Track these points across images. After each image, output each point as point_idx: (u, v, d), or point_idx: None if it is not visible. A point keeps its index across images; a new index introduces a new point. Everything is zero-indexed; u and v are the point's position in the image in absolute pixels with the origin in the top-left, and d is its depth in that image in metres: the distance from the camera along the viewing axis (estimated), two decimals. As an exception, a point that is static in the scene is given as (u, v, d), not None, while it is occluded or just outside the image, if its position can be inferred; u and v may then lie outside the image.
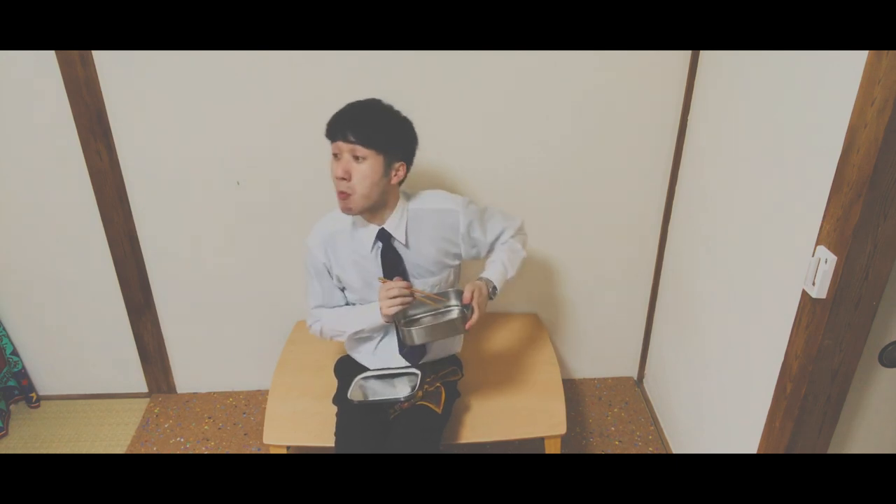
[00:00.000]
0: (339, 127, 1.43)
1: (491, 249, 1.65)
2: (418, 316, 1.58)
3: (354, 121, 1.42)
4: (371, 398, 1.57)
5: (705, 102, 1.80)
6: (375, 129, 1.43)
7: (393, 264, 1.55)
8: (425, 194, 1.60)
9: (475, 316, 1.46)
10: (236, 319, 2.21)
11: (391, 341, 1.66)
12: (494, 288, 1.55)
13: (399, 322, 1.52)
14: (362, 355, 1.71)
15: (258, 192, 1.96)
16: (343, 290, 1.65)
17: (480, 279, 1.55)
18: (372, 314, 1.55)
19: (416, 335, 1.45)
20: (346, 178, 1.43)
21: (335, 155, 1.46)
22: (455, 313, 1.56)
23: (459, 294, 1.54)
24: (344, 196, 1.46)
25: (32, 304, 2.16)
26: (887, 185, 1.10)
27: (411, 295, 1.51)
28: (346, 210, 1.49)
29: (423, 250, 1.56)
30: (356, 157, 1.43)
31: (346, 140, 1.42)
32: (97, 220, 1.99)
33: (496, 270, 1.58)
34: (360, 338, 1.67)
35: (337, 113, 1.47)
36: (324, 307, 1.65)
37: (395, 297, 1.48)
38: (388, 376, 1.64)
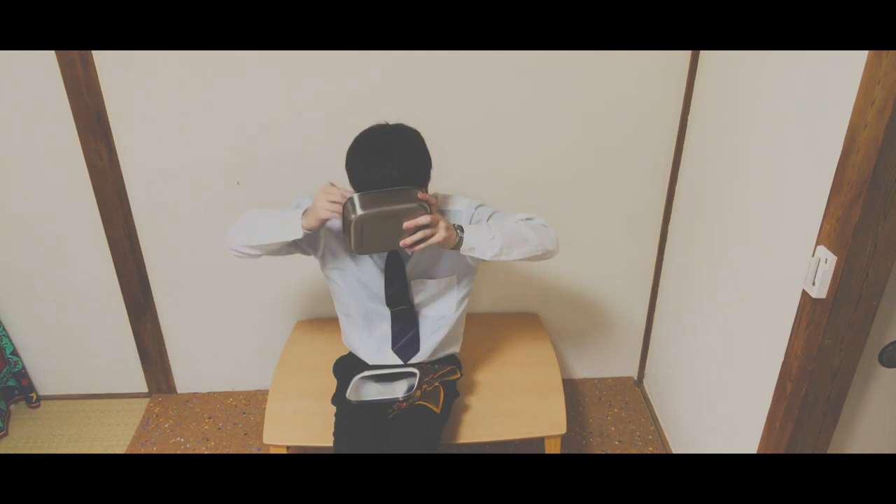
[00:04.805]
0: (374, 177, 1.31)
1: None
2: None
3: (393, 172, 1.31)
4: (369, 398, 1.57)
5: (705, 102, 1.80)
6: (410, 168, 1.33)
7: (395, 266, 1.55)
8: (441, 197, 1.57)
9: (425, 218, 1.28)
10: (236, 319, 2.21)
11: (388, 338, 1.65)
12: (461, 227, 1.38)
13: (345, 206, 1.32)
14: (360, 350, 1.69)
15: (258, 192, 1.96)
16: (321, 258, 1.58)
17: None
18: (293, 214, 1.38)
19: (360, 201, 1.28)
20: None
21: None
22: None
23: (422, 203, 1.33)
24: None
25: (32, 304, 2.16)
26: (887, 185, 1.10)
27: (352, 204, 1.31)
28: None
29: (426, 254, 1.55)
30: None
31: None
32: (97, 220, 1.99)
33: (477, 226, 1.41)
34: (356, 329, 1.65)
35: (363, 162, 1.33)
36: None
37: (333, 202, 1.32)
38: (386, 376, 1.64)
